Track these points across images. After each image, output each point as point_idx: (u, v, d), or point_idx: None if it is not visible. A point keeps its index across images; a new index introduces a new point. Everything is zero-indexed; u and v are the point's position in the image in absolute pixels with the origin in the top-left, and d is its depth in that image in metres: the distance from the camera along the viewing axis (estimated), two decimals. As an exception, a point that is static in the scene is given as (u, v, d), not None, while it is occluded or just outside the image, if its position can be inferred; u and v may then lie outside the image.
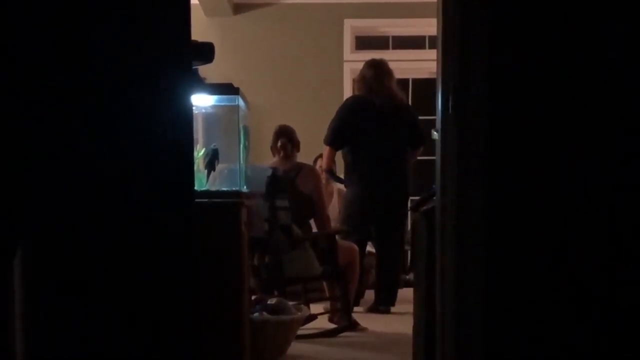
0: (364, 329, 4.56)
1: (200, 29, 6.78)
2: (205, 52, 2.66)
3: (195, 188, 2.75)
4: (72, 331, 1.99)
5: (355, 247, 4.90)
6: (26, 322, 1.98)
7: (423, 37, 7.39)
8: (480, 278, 2.13)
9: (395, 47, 7.52)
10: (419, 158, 5.60)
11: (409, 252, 5.30)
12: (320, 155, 6.17)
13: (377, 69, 5.21)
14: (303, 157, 5.06)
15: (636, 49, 2.09)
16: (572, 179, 2.11)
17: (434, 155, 2.38)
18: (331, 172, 5.42)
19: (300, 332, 4.09)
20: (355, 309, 4.97)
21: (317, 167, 5.93)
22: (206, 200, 2.90)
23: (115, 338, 2.00)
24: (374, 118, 5.11)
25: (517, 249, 2.13)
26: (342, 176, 5.50)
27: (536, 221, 2.12)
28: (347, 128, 5.13)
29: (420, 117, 5.42)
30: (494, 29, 2.12)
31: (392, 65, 5.38)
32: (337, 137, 5.17)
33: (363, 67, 5.29)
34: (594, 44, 2.10)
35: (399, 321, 4.76)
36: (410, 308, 3.10)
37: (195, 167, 3.03)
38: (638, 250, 2.10)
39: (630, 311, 2.11)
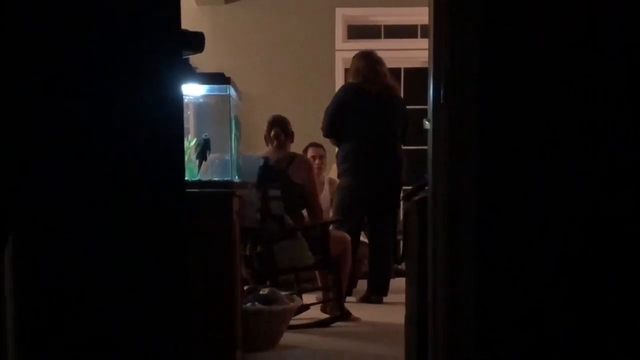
0: (356, 319, 4.57)
1: (192, 18, 6.78)
2: (196, 41, 2.64)
3: (187, 178, 2.75)
4: (64, 320, 1.98)
5: (348, 237, 4.91)
6: (17, 311, 1.97)
7: (415, 26, 7.38)
8: (472, 267, 2.13)
9: (387, 36, 7.51)
10: (411, 148, 5.60)
11: (402, 242, 5.32)
12: (311, 145, 6.18)
13: (369, 59, 5.22)
14: (294, 146, 5.06)
15: (634, 35, 2.09)
16: (564, 168, 2.11)
17: (425, 145, 2.37)
18: None
19: (292, 322, 4.10)
20: (348, 298, 4.99)
21: (309, 156, 5.94)
22: (198, 190, 2.90)
23: (107, 329, 1.99)
24: (368, 107, 5.11)
25: (509, 239, 2.13)
26: (335, 165, 5.50)
27: (528, 211, 2.12)
28: (342, 117, 5.12)
29: (412, 107, 5.44)
30: (486, 18, 2.11)
31: (383, 54, 5.39)
32: (333, 127, 5.17)
33: (354, 60, 5.30)
34: (589, 33, 2.10)
35: (391, 311, 4.78)
36: (402, 298, 3.11)
37: (187, 157, 3.03)
38: (632, 237, 2.11)
39: (620, 298, 2.12)
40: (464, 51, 2.12)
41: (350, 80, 5.30)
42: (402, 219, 4.35)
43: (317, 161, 6.05)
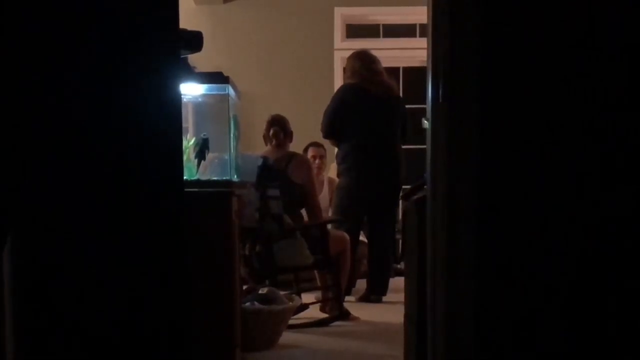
0: (355, 319, 4.57)
1: (191, 17, 6.77)
2: (194, 41, 2.64)
3: (186, 177, 2.75)
4: (64, 320, 1.98)
5: (347, 236, 4.90)
6: (16, 311, 1.97)
7: (414, 25, 7.38)
8: (471, 266, 2.13)
9: (386, 36, 7.51)
10: (410, 147, 5.60)
11: (401, 241, 5.32)
12: (311, 144, 6.18)
13: (364, 58, 5.22)
14: (293, 145, 5.06)
15: (634, 35, 2.09)
16: (564, 168, 2.11)
17: (424, 144, 2.37)
18: None
19: (291, 321, 4.10)
20: (347, 298, 4.99)
21: (310, 156, 5.94)
22: (197, 189, 2.89)
23: (107, 329, 1.99)
24: (368, 107, 5.11)
25: (509, 239, 2.13)
26: (334, 164, 5.50)
27: (528, 211, 2.12)
28: (342, 118, 5.12)
29: (411, 106, 5.44)
30: (486, 18, 2.10)
31: (382, 53, 5.39)
32: (333, 128, 5.17)
33: (349, 61, 5.29)
34: (589, 33, 2.09)
35: (390, 310, 4.78)
36: (402, 297, 3.11)
37: (186, 157, 3.02)
38: (632, 237, 2.11)
39: (620, 298, 2.12)
40: (464, 51, 2.12)
41: (347, 80, 5.29)
42: (401, 218, 4.35)
43: (317, 161, 6.04)
